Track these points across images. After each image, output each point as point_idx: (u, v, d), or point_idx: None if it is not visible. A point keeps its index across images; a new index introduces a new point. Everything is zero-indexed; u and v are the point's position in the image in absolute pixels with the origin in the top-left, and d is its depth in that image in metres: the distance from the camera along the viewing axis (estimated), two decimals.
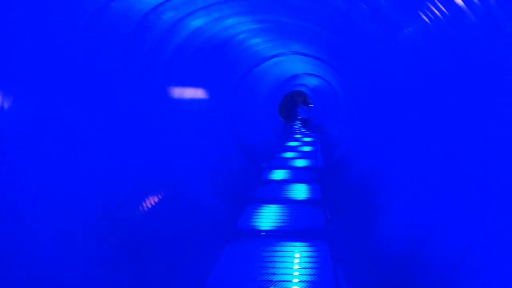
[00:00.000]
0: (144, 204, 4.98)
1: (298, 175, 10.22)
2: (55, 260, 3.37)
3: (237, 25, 7.09)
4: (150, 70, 5.51)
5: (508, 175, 2.87)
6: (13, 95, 3.07)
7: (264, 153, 13.00)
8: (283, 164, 11.96)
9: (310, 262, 4.78)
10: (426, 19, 3.74)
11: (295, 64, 14.22)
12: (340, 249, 5.14)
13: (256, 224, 6.25)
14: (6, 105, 3.00)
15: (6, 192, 3.04)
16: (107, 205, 4.18)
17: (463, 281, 3.10)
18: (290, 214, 6.74)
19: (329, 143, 14.53)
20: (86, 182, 4.03)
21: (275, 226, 6.16)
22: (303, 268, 4.64)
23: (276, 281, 4.32)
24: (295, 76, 18.67)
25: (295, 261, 4.82)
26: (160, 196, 5.48)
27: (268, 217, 6.60)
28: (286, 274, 4.49)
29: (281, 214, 6.77)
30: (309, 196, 8.07)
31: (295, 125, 27.03)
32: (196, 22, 5.98)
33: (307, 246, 5.27)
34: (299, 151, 14.95)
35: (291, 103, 26.32)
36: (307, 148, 15.74)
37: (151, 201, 5.17)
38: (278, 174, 10.32)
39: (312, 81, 20.27)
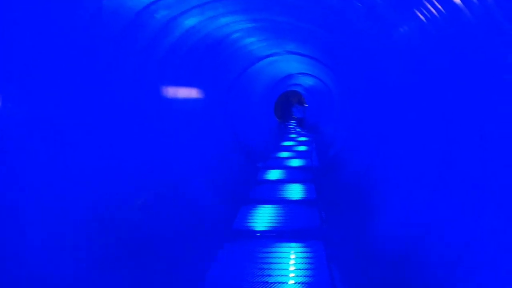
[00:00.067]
0: (139, 205, 4.93)
1: (293, 175, 10.19)
2: (45, 261, 3.33)
3: (232, 24, 7.04)
4: (144, 69, 5.45)
5: (504, 173, 2.85)
6: (1, 96, 3.00)
7: (259, 153, 12.97)
8: (278, 164, 11.93)
9: (305, 263, 4.74)
10: (422, 17, 3.72)
11: (290, 64, 14.19)
12: (335, 248, 5.11)
13: (251, 224, 6.21)
14: None
15: None
16: (97, 206, 4.12)
17: (459, 281, 3.08)
18: (285, 214, 6.70)
19: (324, 143, 14.53)
20: (76, 183, 3.97)
21: (270, 226, 6.12)
22: (299, 268, 4.60)
23: (271, 283, 4.28)
24: (290, 76, 18.65)
25: (291, 262, 4.78)
26: (155, 197, 5.42)
27: (263, 217, 6.56)
28: (282, 275, 4.45)
29: (276, 214, 6.73)
30: (304, 196, 8.04)
31: (290, 124, 27.03)
32: (190, 21, 5.92)
33: (302, 247, 5.24)
34: (294, 150, 14.93)
35: (286, 102, 26.33)
36: (302, 148, 15.72)
37: (146, 201, 5.11)
38: (273, 174, 10.28)
39: (307, 81, 20.26)
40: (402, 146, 5.27)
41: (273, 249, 5.15)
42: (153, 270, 4.23)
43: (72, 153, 3.93)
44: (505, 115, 2.83)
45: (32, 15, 3.28)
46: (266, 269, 4.58)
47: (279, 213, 6.80)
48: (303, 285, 4.23)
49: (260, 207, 7.12)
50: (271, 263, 4.75)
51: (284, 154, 14.09)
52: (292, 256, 4.95)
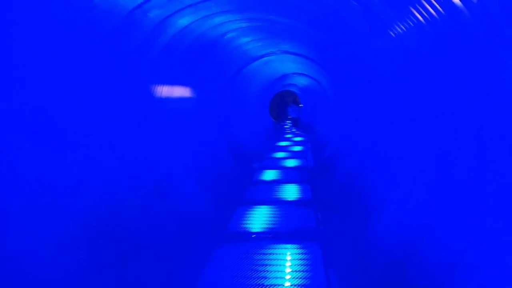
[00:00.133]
0: (128, 206, 4.85)
1: (288, 175, 10.15)
2: (44, 261, 3.31)
3: (226, 24, 6.98)
4: (137, 69, 5.38)
5: (504, 173, 2.82)
6: None
7: (255, 153, 12.92)
8: (274, 164, 11.89)
9: (301, 265, 4.69)
10: (419, 16, 3.67)
11: (285, 64, 14.16)
12: (332, 250, 5.06)
13: (247, 226, 6.15)
14: None
15: None
16: (86, 206, 4.05)
17: (459, 282, 3.04)
18: (281, 215, 6.65)
19: (319, 143, 14.51)
20: (71, 183, 3.91)
21: (266, 228, 6.07)
22: (295, 271, 4.54)
23: (267, 285, 4.22)
24: (285, 76, 18.62)
25: (287, 264, 4.72)
26: (145, 198, 5.35)
27: (259, 218, 6.51)
28: (278, 277, 4.39)
29: (272, 215, 6.68)
30: (299, 196, 8.00)
31: (286, 124, 27.02)
32: (184, 21, 5.86)
33: (298, 248, 5.19)
34: (289, 151, 14.89)
35: (281, 103, 26.33)
36: (297, 148, 15.69)
37: (136, 203, 5.04)
38: (269, 175, 10.23)
39: (302, 81, 20.25)
40: (400, 146, 5.23)
41: (269, 251, 5.10)
42: (145, 273, 4.16)
43: (63, 152, 3.87)
44: (504, 115, 2.80)
45: (21, 15, 3.21)
46: (261, 271, 4.52)
47: (275, 214, 6.74)
48: (299, 287, 4.18)
49: (256, 208, 7.06)
50: (266, 265, 4.69)
51: (280, 154, 14.05)
52: (288, 258, 4.90)
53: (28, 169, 3.44)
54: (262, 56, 11.14)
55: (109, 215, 4.44)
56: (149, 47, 5.54)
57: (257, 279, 4.33)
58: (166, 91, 6.48)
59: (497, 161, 2.88)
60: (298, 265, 4.70)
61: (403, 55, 4.66)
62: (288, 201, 7.65)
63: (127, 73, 5.13)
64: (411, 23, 3.97)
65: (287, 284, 4.25)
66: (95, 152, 4.46)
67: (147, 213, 5.15)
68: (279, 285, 4.23)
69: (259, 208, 7.07)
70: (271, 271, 4.52)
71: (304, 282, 4.27)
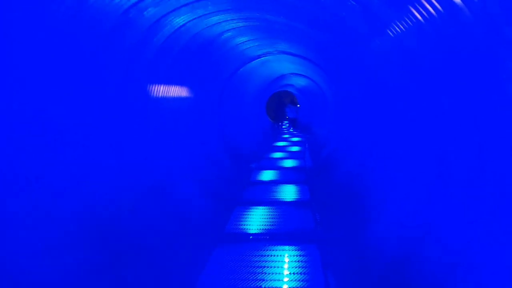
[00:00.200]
0: (123, 207, 4.79)
1: (286, 176, 10.10)
2: (43, 262, 3.27)
3: (223, 23, 6.92)
4: (133, 68, 5.32)
5: (504, 173, 2.78)
6: None
7: (253, 153, 12.87)
8: (272, 164, 11.84)
9: (299, 267, 4.63)
10: (418, 15, 3.63)
11: (282, 64, 14.11)
12: (330, 251, 5.01)
13: (245, 227, 6.09)
14: None
15: None
16: (81, 208, 3.98)
17: (459, 282, 3.00)
18: (279, 216, 6.59)
19: (317, 143, 14.47)
20: (69, 184, 3.86)
21: (264, 229, 6.01)
22: (293, 273, 4.49)
23: None
24: (282, 76, 18.59)
25: (285, 266, 4.66)
26: (146, 198, 5.30)
27: (257, 219, 6.45)
28: (275, 280, 4.34)
29: (269, 216, 6.62)
30: (297, 197, 7.95)
31: (283, 125, 26.99)
32: (180, 20, 5.80)
33: (296, 250, 5.13)
34: (287, 151, 14.85)
35: (279, 103, 26.30)
36: (295, 148, 15.65)
37: (131, 203, 4.98)
38: (267, 175, 10.18)
39: (299, 81, 20.21)
40: (399, 146, 5.19)
41: (267, 252, 5.04)
42: (142, 275, 4.10)
43: (61, 153, 3.81)
44: (504, 115, 2.76)
45: (14, 14, 3.14)
46: (259, 273, 4.47)
47: (272, 214, 6.69)
48: None
49: (253, 208, 7.01)
50: (264, 267, 4.63)
51: (278, 154, 14.00)
52: (286, 260, 4.84)
53: (27, 170, 3.40)
54: (259, 56, 11.09)
55: (107, 215, 4.39)
56: (145, 46, 5.48)
57: (255, 281, 4.28)
58: (162, 91, 6.42)
59: (497, 161, 2.84)
60: (296, 267, 4.64)
61: (402, 55, 4.62)
62: (286, 201, 7.60)
63: (123, 72, 5.07)
64: (410, 23, 3.92)
65: (285, 286, 4.19)
66: (93, 153, 4.40)
67: (144, 213, 5.09)
68: (277, 287, 4.18)
69: (257, 208, 7.01)
70: (269, 273, 4.47)
71: (302, 284, 4.22)
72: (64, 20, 3.69)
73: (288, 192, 8.31)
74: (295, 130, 24.01)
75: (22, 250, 3.20)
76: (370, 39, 5.46)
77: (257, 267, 4.63)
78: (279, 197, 7.92)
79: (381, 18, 4.57)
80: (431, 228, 3.66)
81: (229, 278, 4.39)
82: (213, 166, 8.60)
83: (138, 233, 4.67)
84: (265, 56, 11.24)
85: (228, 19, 6.76)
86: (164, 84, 6.43)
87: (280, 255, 4.96)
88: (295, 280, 4.32)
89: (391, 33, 4.57)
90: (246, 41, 8.99)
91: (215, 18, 6.47)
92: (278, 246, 5.24)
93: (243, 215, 6.65)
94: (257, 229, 6.00)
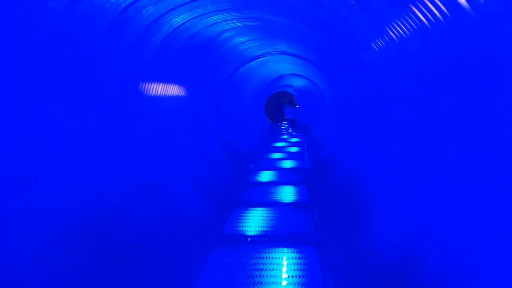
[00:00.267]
0: (118, 208, 4.73)
1: (285, 177, 10.05)
2: (34, 268, 3.21)
3: (222, 23, 6.87)
4: (131, 68, 5.26)
5: (504, 173, 2.74)
6: None
7: (251, 154, 12.82)
8: (271, 165, 11.79)
9: (298, 270, 4.57)
10: (421, 15, 3.58)
11: (282, 65, 14.07)
12: (329, 254, 4.96)
13: (243, 229, 6.04)
14: None
15: None
16: (73, 209, 3.92)
17: (460, 284, 2.97)
18: (277, 218, 6.54)
19: (316, 144, 14.43)
20: (61, 184, 3.79)
21: (262, 231, 5.95)
22: (292, 276, 4.43)
23: None
24: (281, 77, 18.54)
25: (283, 269, 4.60)
26: (142, 200, 5.23)
27: (255, 221, 6.39)
28: (274, 283, 4.28)
29: (268, 218, 6.57)
30: (296, 198, 7.90)
31: (282, 125, 26.95)
32: (179, 19, 5.74)
33: (295, 252, 5.07)
34: (286, 152, 14.80)
35: (277, 103, 26.26)
36: (294, 149, 15.60)
37: (126, 203, 4.92)
38: (266, 176, 10.13)
39: (298, 82, 20.18)
40: (397, 147, 5.14)
41: (265, 255, 4.98)
42: (137, 279, 4.04)
43: (53, 153, 3.75)
44: (504, 116, 2.72)
45: (10, 14, 3.09)
46: (257, 276, 4.41)
47: (271, 216, 6.64)
48: None
49: (251, 210, 6.95)
50: (262, 269, 4.57)
51: (276, 155, 13.95)
52: (285, 262, 4.78)
53: (18, 172, 3.32)
54: (258, 57, 11.03)
55: (101, 216, 4.32)
56: (143, 45, 5.42)
57: (253, 285, 4.22)
58: (160, 90, 6.35)
59: (496, 162, 2.80)
60: (295, 269, 4.58)
61: (401, 56, 4.57)
62: (284, 203, 7.55)
63: (120, 72, 5.01)
64: (411, 22, 3.88)
65: None
66: (87, 153, 4.34)
67: (141, 215, 5.03)
68: None
69: (255, 210, 6.96)
70: (268, 276, 4.41)
71: None
72: (60, 19, 3.63)
73: (287, 193, 8.26)
74: (294, 130, 23.98)
75: (13, 254, 3.13)
76: (370, 40, 5.41)
77: (256, 270, 4.57)
78: (277, 198, 7.87)
79: (382, 17, 4.52)
80: (430, 229, 3.63)
81: (227, 281, 4.33)
82: (211, 167, 8.54)
83: (133, 235, 4.60)
84: (264, 56, 11.19)
85: (228, 18, 6.70)
86: (161, 84, 6.37)
87: (279, 258, 4.91)
88: (294, 283, 4.27)
89: (391, 33, 4.52)
90: (245, 41, 8.93)
91: (214, 18, 6.41)
92: (277, 249, 5.19)
93: (242, 216, 6.60)
94: (255, 231, 5.95)
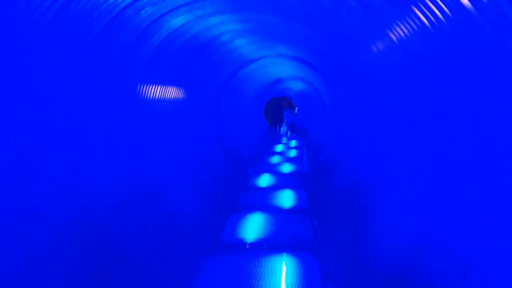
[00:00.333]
0: (120, 213, 4.62)
1: (284, 181, 9.95)
2: (27, 275, 3.12)
3: (221, 25, 6.78)
4: (129, 69, 5.16)
5: (503, 174, 2.68)
6: None
7: (250, 157, 12.71)
8: (269, 169, 11.69)
9: (298, 278, 4.46)
10: (422, 16, 3.50)
11: (280, 67, 14.01)
12: (329, 261, 4.85)
13: (241, 235, 5.92)
14: None
15: None
16: (69, 212, 3.81)
17: (460, 285, 2.89)
18: (276, 224, 6.43)
19: (315, 147, 14.35)
20: (56, 188, 3.70)
21: (261, 237, 5.84)
22: (291, 284, 4.31)
23: None
24: (280, 80, 18.50)
25: (282, 278, 4.49)
26: (138, 204, 5.13)
27: (253, 227, 6.28)
28: None
29: (267, 223, 6.46)
30: (295, 203, 7.80)
31: (281, 128, 26.88)
32: (178, 20, 5.65)
33: (294, 260, 4.96)
34: (285, 155, 14.72)
35: (277, 107, 26.23)
36: (293, 153, 15.52)
37: (129, 209, 4.82)
38: (264, 180, 10.03)
39: (297, 86, 20.17)
40: (399, 149, 5.06)
41: (263, 263, 4.86)
42: (135, 285, 3.93)
43: (49, 156, 3.65)
44: (504, 116, 2.66)
45: (14, 13, 3.00)
46: (255, 285, 4.29)
47: (270, 222, 6.53)
48: None
49: (250, 215, 6.84)
50: (261, 278, 4.45)
51: (275, 158, 13.86)
52: (284, 270, 4.67)
53: (13, 174, 3.23)
54: (258, 59, 10.97)
55: (96, 222, 4.21)
56: (141, 47, 5.32)
57: None
58: (159, 92, 6.26)
59: (496, 163, 2.74)
60: (295, 278, 4.47)
61: (401, 57, 4.51)
62: (283, 208, 7.45)
63: (118, 73, 4.91)
64: (412, 23, 3.81)
65: None
66: (83, 155, 4.24)
67: (137, 220, 4.92)
68: None
69: (254, 215, 6.84)
70: (266, 285, 4.29)
71: None
72: (54, 19, 3.53)
73: (286, 198, 8.16)
74: (293, 134, 23.93)
75: (8, 263, 3.03)
76: (370, 41, 5.34)
77: (254, 278, 4.45)
78: (276, 204, 7.76)
79: (382, 18, 4.45)
80: (431, 234, 3.57)
81: None
82: (210, 170, 8.44)
83: (129, 241, 4.49)
84: (264, 58, 11.13)
85: (227, 20, 6.62)
86: (159, 86, 6.28)
87: (278, 265, 4.80)
88: None
89: (391, 35, 4.45)
90: (244, 44, 8.85)
91: (213, 19, 6.32)
92: (276, 255, 5.07)
93: (239, 222, 6.48)
94: (254, 237, 5.83)
